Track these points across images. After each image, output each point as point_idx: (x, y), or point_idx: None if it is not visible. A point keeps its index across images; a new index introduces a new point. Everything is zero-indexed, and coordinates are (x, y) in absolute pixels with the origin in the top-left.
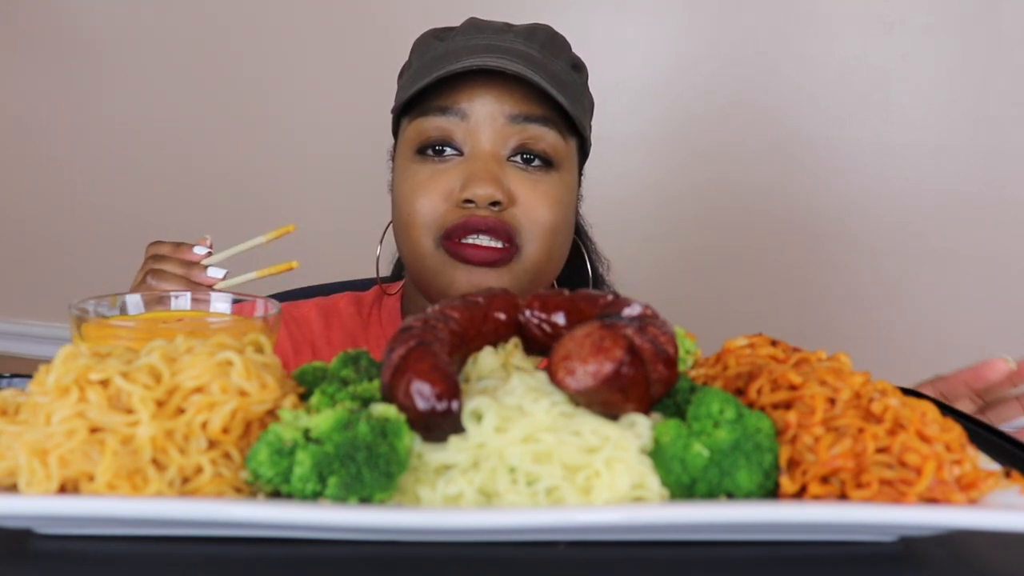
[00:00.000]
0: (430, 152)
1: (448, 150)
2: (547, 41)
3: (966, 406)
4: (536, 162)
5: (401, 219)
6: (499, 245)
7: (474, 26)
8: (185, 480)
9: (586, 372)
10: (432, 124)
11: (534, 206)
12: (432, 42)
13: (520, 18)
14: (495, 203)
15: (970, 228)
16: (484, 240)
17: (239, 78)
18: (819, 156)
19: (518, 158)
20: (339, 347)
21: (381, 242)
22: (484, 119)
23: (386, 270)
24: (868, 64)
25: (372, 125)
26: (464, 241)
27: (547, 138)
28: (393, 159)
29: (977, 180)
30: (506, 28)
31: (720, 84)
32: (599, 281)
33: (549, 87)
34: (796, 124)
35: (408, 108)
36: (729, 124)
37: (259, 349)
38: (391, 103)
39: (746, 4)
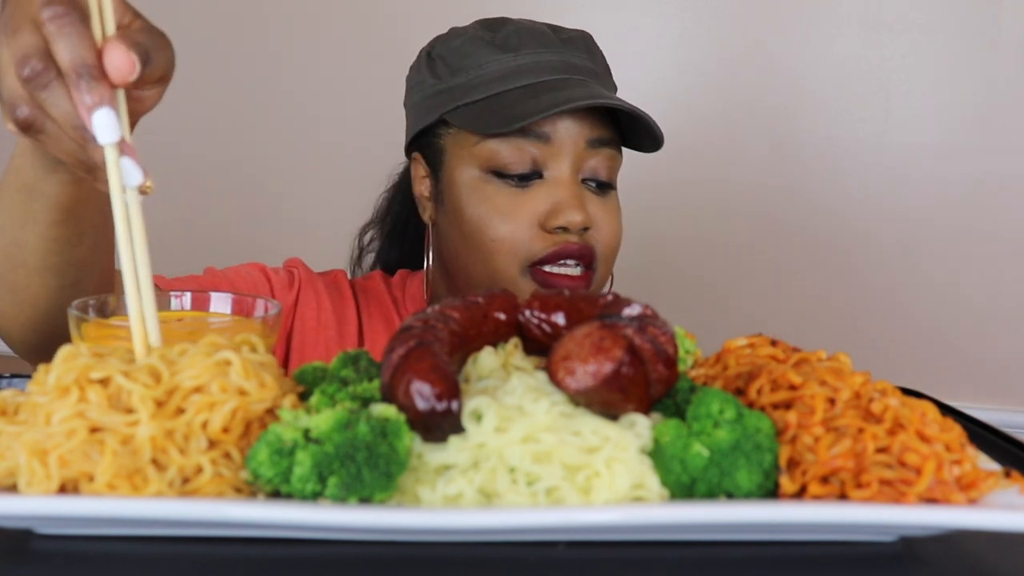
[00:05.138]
0: (512, 179)
1: (532, 175)
2: (597, 52)
3: None
4: (603, 184)
5: (480, 244)
6: (581, 272)
7: (528, 30)
8: (185, 480)
9: (586, 372)
10: (513, 145)
11: (607, 229)
12: (488, 50)
13: (525, 16)
14: (585, 228)
15: (970, 228)
16: (571, 265)
17: (251, 74)
18: (819, 156)
19: (592, 182)
20: (378, 319)
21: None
22: (567, 143)
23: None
24: (868, 64)
25: (383, 121)
26: (553, 270)
27: (615, 161)
28: (434, 163)
29: (977, 180)
30: (556, 35)
31: (720, 84)
32: None
33: (644, 113)
34: (796, 124)
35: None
36: (729, 124)
37: (253, 349)
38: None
39: (746, 4)
